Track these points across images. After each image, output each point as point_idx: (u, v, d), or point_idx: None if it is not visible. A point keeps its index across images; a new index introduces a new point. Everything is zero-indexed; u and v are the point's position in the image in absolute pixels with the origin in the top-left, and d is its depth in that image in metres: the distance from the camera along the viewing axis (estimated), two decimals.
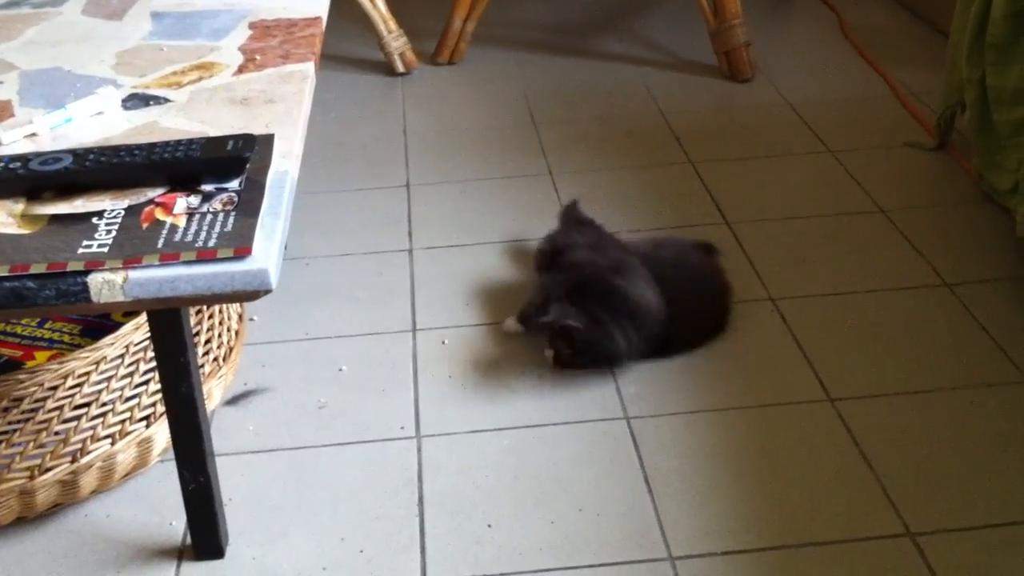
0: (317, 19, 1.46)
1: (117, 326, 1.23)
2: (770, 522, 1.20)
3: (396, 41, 2.43)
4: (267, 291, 0.93)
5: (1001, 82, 1.68)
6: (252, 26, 1.44)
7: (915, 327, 1.52)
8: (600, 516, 1.22)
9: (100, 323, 1.35)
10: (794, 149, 2.05)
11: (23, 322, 1.34)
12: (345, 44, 2.61)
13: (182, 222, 0.98)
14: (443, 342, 1.53)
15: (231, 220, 0.98)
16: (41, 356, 1.28)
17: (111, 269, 0.92)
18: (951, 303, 1.56)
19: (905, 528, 1.19)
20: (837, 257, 1.69)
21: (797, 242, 1.74)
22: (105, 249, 0.94)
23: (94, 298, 0.91)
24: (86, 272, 0.91)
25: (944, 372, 1.43)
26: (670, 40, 2.62)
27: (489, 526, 1.21)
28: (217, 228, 0.96)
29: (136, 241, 0.95)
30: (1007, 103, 1.66)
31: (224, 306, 1.41)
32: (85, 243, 0.95)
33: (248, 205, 1.00)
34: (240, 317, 1.46)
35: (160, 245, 0.94)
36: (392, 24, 2.42)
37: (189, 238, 0.95)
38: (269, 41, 1.39)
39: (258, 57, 1.34)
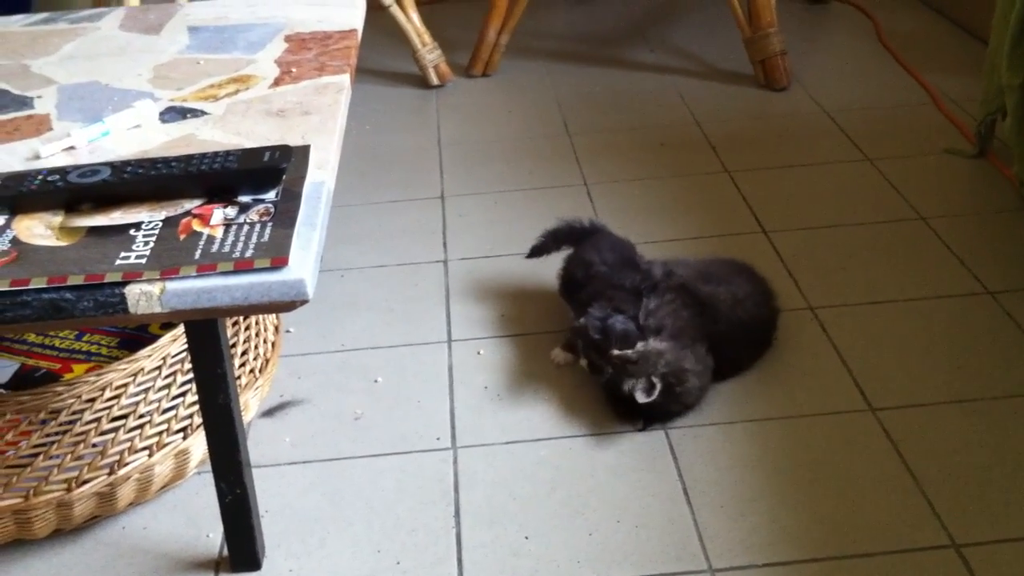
0: (352, 31, 1.46)
1: (154, 338, 1.23)
2: (811, 533, 1.19)
3: (430, 54, 2.44)
4: (304, 301, 0.93)
5: None
6: (288, 39, 1.44)
7: (957, 336, 1.50)
8: (638, 527, 1.21)
9: (138, 335, 1.36)
10: (832, 157, 2.04)
11: (61, 335, 1.35)
12: (380, 57, 2.62)
13: (219, 233, 0.98)
14: (478, 353, 1.52)
15: (268, 231, 0.98)
16: (79, 368, 1.29)
17: (148, 280, 0.92)
18: (994, 311, 1.54)
19: (950, 539, 1.17)
20: (877, 265, 1.67)
21: (836, 251, 1.72)
22: (143, 260, 0.94)
23: (131, 309, 0.91)
24: (123, 283, 0.91)
25: (987, 381, 1.40)
26: (703, 49, 2.60)
27: (526, 538, 1.20)
28: (254, 239, 0.96)
29: (173, 252, 0.95)
30: None
31: (260, 318, 1.41)
32: (123, 254, 0.95)
33: (284, 216, 1.00)
34: (276, 329, 1.46)
35: (197, 256, 0.94)
36: (426, 37, 2.43)
37: (226, 249, 0.95)
38: (305, 54, 1.39)
39: (294, 69, 1.34)
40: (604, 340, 1.39)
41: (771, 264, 1.68)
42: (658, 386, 1.32)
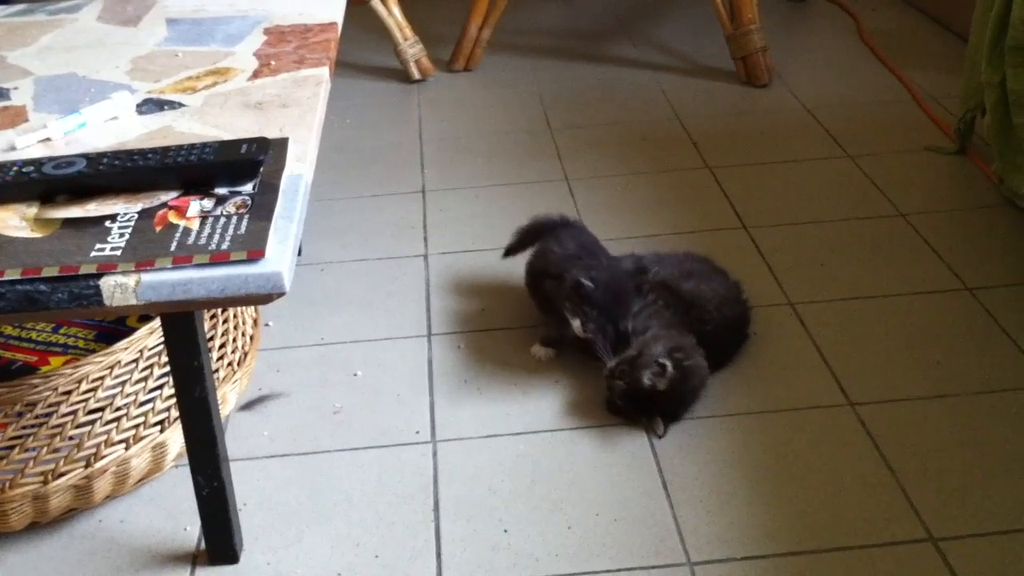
0: (332, 24, 1.46)
1: (132, 331, 1.22)
2: (790, 527, 1.19)
3: (412, 48, 2.43)
4: (280, 294, 0.92)
5: (1021, 85, 1.67)
6: (267, 32, 1.44)
7: (936, 331, 1.50)
8: (617, 521, 1.21)
9: (115, 328, 1.35)
10: (812, 153, 2.04)
11: (38, 327, 1.34)
12: (361, 52, 2.61)
13: (195, 225, 0.97)
14: (458, 347, 1.52)
15: (244, 223, 0.97)
16: (56, 361, 1.28)
17: (123, 272, 0.91)
18: (972, 307, 1.55)
19: (927, 533, 1.17)
20: (856, 261, 1.68)
21: (816, 246, 1.72)
22: (118, 252, 0.94)
23: (106, 301, 0.91)
24: (98, 275, 0.91)
25: (965, 376, 1.41)
26: (686, 45, 2.61)
27: (505, 531, 1.20)
28: (231, 231, 0.96)
29: (149, 244, 0.95)
30: None
31: (239, 311, 1.40)
32: (98, 246, 0.95)
33: (262, 208, 0.99)
34: (255, 322, 1.46)
35: (173, 248, 0.94)
36: (408, 31, 2.42)
37: (202, 241, 0.95)
38: (284, 46, 1.39)
39: (273, 62, 1.34)
40: (597, 291, 1.38)
41: (751, 260, 1.68)
42: (669, 364, 1.32)
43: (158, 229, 0.97)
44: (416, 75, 2.45)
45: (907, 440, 1.31)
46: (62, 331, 1.34)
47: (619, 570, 1.14)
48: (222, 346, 1.33)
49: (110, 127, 1.18)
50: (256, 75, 1.30)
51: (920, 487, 1.23)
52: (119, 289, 0.91)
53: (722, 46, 2.40)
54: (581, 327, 1.40)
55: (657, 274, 1.48)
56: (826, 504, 1.22)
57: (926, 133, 2.09)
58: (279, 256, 0.93)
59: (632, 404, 1.35)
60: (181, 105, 1.23)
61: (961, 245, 1.70)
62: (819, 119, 2.17)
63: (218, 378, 1.31)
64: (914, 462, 1.27)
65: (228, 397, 1.32)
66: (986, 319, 1.52)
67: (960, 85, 1.95)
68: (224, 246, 0.94)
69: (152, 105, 1.24)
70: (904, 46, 2.51)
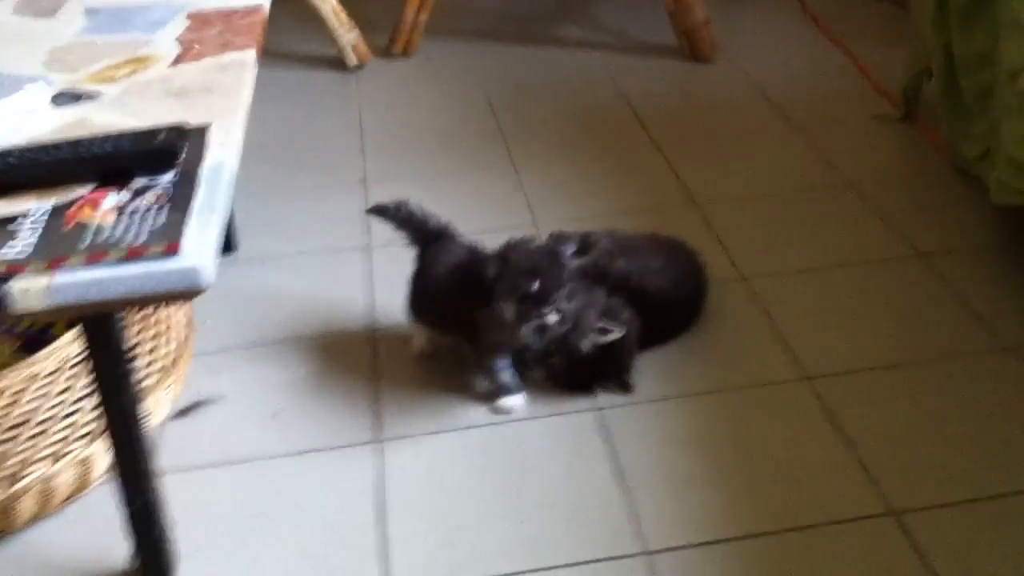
0: (258, 8, 1.41)
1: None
2: (749, 509, 1.15)
3: (348, 34, 2.37)
4: (201, 290, 0.87)
5: (967, 48, 1.65)
6: (190, 17, 1.39)
7: (890, 300, 1.48)
8: (572, 513, 1.17)
9: (41, 337, 1.28)
10: (760, 128, 2.01)
11: None
12: (296, 41, 2.54)
13: (111, 219, 0.92)
14: (404, 342, 1.47)
15: (163, 215, 0.92)
16: None
17: (34, 272, 0.86)
18: (925, 274, 1.52)
19: (888, 507, 1.14)
20: (808, 233, 1.65)
21: (767, 220, 1.69)
22: (28, 252, 0.88)
23: (15, 304, 0.85)
24: (6, 277, 0.85)
25: (921, 344, 1.39)
26: (629, 24, 2.57)
27: (456, 529, 1.16)
28: (148, 224, 0.91)
29: (61, 242, 0.89)
30: (973, 67, 1.63)
31: (170, 312, 1.34)
32: (9, 245, 0.89)
33: (181, 199, 0.94)
34: (188, 322, 1.40)
35: (87, 244, 0.88)
36: (343, 17, 2.36)
37: (118, 236, 0.89)
38: (208, 31, 1.33)
39: (196, 47, 1.28)
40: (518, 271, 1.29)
41: (703, 235, 1.65)
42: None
43: (71, 225, 0.91)
44: (353, 62, 2.39)
45: (864, 412, 1.28)
46: None
47: (575, 564, 1.10)
48: (152, 350, 1.27)
49: (22, 121, 1.12)
50: (178, 61, 1.25)
51: (879, 460, 1.20)
52: (28, 292, 0.85)
53: (665, 23, 2.36)
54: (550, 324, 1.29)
55: (607, 252, 1.43)
56: (784, 483, 1.19)
57: (872, 103, 2.06)
58: (199, 249, 0.88)
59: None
60: (99, 95, 1.17)
61: (912, 213, 1.68)
62: (766, 93, 2.14)
63: (149, 384, 1.25)
64: (871, 434, 1.24)
65: (161, 403, 1.26)
66: (939, 284, 1.50)
67: (903, 54, 1.93)
68: (141, 240, 0.88)
69: (68, 97, 1.18)
70: (846, 17, 2.49)
